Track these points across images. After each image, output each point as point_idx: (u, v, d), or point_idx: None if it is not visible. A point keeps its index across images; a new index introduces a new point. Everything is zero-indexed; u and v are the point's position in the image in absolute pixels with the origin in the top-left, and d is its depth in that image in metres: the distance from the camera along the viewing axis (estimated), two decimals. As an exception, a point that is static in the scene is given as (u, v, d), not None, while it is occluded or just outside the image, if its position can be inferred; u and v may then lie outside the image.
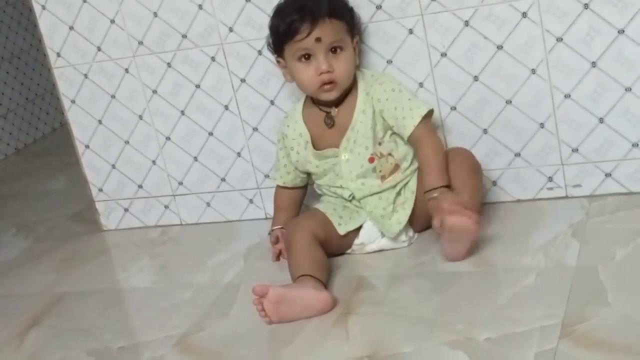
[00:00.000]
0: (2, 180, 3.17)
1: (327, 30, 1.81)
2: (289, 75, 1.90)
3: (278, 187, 2.01)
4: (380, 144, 1.86)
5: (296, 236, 1.81)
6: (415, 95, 1.90)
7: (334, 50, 1.83)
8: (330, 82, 1.83)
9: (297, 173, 1.97)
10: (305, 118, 1.92)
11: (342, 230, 1.85)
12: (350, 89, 1.88)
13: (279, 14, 1.87)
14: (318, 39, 1.81)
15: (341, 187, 1.90)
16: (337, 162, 1.88)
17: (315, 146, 1.91)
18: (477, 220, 1.69)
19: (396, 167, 1.87)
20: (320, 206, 1.92)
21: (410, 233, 1.87)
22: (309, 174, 1.97)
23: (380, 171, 1.86)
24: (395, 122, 1.84)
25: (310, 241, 1.79)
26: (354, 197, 1.89)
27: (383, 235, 1.86)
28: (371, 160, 1.86)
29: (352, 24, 1.87)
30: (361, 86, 1.88)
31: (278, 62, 1.91)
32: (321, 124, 1.90)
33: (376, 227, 1.86)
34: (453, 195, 1.75)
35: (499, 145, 1.93)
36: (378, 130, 1.86)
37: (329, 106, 1.89)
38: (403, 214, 1.85)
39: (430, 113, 1.85)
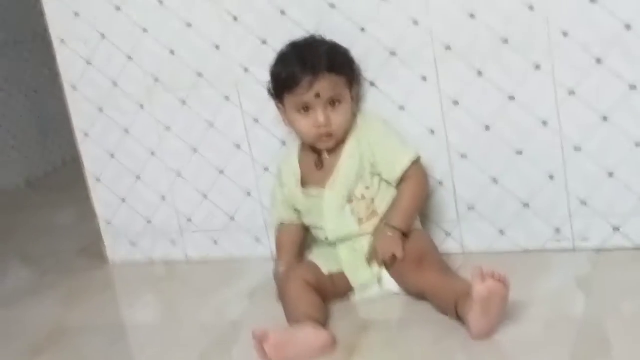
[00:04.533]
0: (11, 212, 3.18)
1: (327, 86, 1.84)
2: (287, 121, 1.92)
3: (279, 226, 2.02)
4: (367, 188, 1.88)
5: (289, 285, 1.82)
6: (404, 140, 1.92)
7: (332, 103, 1.86)
8: (327, 134, 1.86)
9: (293, 209, 1.98)
10: (300, 158, 1.96)
11: (325, 270, 1.86)
12: (346, 135, 1.90)
13: (281, 62, 1.90)
14: (317, 94, 1.84)
15: (322, 227, 1.92)
16: (320, 202, 1.90)
17: (304, 185, 1.93)
18: (509, 286, 1.61)
19: (374, 213, 1.89)
20: (309, 256, 1.95)
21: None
22: None
23: (357, 213, 1.88)
24: (385, 167, 1.87)
25: (303, 286, 1.80)
26: (328, 240, 1.90)
27: (380, 284, 1.87)
28: (350, 201, 1.88)
29: (352, 76, 1.91)
30: (353, 132, 1.90)
31: (278, 107, 1.94)
32: (312, 165, 1.93)
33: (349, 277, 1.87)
34: (400, 243, 1.82)
35: (507, 194, 1.93)
36: (364, 174, 1.88)
37: (322, 150, 1.92)
38: (375, 269, 1.86)
39: (418, 158, 1.88)
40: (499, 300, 1.59)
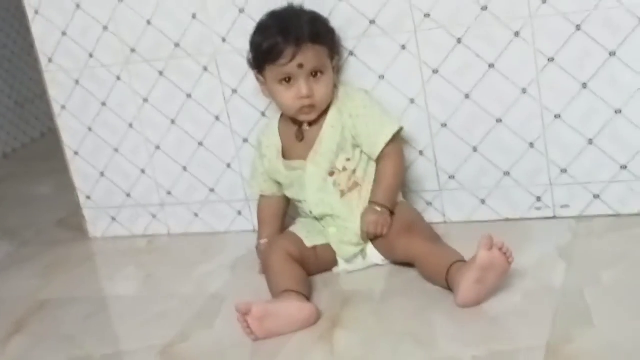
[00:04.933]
0: (-11, 185, 3.16)
1: (310, 56, 1.82)
2: (267, 92, 1.91)
3: (260, 198, 2.01)
4: (348, 159, 1.87)
5: (272, 257, 1.82)
6: (386, 111, 1.90)
7: (314, 74, 1.84)
8: (310, 105, 1.84)
9: (273, 181, 1.98)
10: (280, 129, 1.95)
11: (308, 243, 1.86)
12: (327, 107, 1.89)
13: (262, 32, 1.87)
14: (300, 65, 1.82)
15: (305, 200, 1.91)
16: (302, 175, 1.89)
17: (285, 157, 1.92)
18: (512, 258, 1.62)
19: (355, 184, 1.88)
20: (292, 227, 1.94)
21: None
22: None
23: (339, 185, 1.87)
24: (366, 139, 1.86)
25: (286, 259, 1.80)
26: (312, 213, 1.90)
27: (363, 257, 1.87)
28: (331, 174, 1.87)
29: (333, 47, 1.89)
30: (334, 103, 1.89)
31: (257, 78, 1.92)
32: (293, 137, 1.92)
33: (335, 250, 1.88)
34: (389, 219, 1.82)
35: (488, 163, 1.93)
36: (345, 146, 1.87)
37: (304, 122, 1.90)
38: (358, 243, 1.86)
39: (399, 131, 1.87)
40: (498, 272, 1.60)
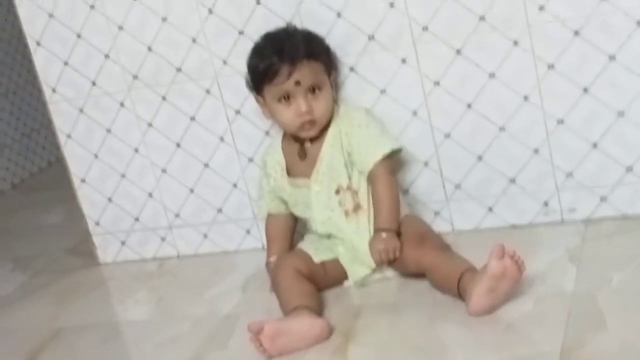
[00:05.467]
0: (-1, 215, 3.18)
1: (306, 73, 1.83)
2: (268, 113, 1.92)
3: (267, 216, 2.02)
4: (349, 178, 1.88)
5: (280, 274, 1.83)
6: (385, 132, 1.90)
7: (312, 90, 1.85)
8: (310, 121, 1.85)
9: (280, 199, 1.98)
10: (284, 148, 1.96)
11: (317, 259, 1.86)
12: (327, 124, 1.90)
13: (257, 54, 1.89)
14: (297, 82, 1.83)
15: (311, 219, 1.92)
16: (308, 193, 1.90)
17: (290, 174, 1.93)
18: (524, 267, 1.62)
19: (358, 206, 1.88)
20: (300, 244, 1.95)
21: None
22: None
23: (344, 204, 1.88)
24: (358, 158, 1.86)
25: (295, 276, 1.81)
26: (318, 232, 1.91)
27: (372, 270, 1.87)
28: (337, 192, 1.88)
29: (329, 63, 1.91)
30: (334, 120, 1.90)
31: (257, 99, 1.93)
32: (296, 155, 1.93)
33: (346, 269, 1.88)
34: (397, 241, 1.81)
35: (493, 171, 1.94)
36: (347, 164, 1.87)
37: (305, 139, 1.91)
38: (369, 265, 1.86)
39: (394, 153, 1.87)
40: (510, 281, 1.60)
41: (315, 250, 1.88)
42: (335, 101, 1.92)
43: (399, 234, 1.84)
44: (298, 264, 1.84)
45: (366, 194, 1.88)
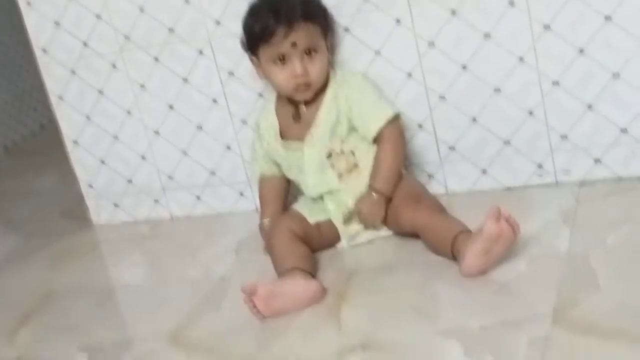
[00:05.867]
0: (-9, 179, 3.17)
1: (302, 35, 1.82)
2: (262, 74, 1.90)
3: (260, 178, 2.01)
4: (342, 141, 1.87)
5: (275, 236, 1.83)
6: (383, 97, 1.89)
7: (308, 52, 1.84)
8: (305, 84, 1.84)
9: (273, 161, 1.98)
10: (277, 110, 1.94)
11: (311, 220, 1.86)
12: (321, 87, 1.88)
13: (253, 14, 1.87)
14: (294, 44, 1.82)
15: (304, 183, 1.91)
16: (301, 156, 1.89)
17: (283, 137, 1.92)
18: (519, 230, 1.62)
19: (355, 165, 1.88)
20: (294, 205, 1.94)
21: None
22: None
23: (337, 167, 1.87)
24: (360, 122, 1.86)
25: (290, 237, 1.81)
26: (312, 195, 1.90)
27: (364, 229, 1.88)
28: (328, 156, 1.87)
29: (326, 25, 1.89)
30: (331, 85, 1.88)
31: (252, 60, 1.92)
32: (290, 117, 1.92)
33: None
34: (384, 208, 1.83)
35: (488, 133, 1.93)
36: (341, 129, 1.86)
37: (299, 101, 1.90)
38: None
39: (396, 116, 1.86)
40: (504, 243, 1.59)
41: (309, 211, 1.88)
42: (331, 65, 1.91)
43: (390, 200, 1.83)
44: (292, 226, 1.84)
45: (365, 153, 1.87)
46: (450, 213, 1.81)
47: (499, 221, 1.57)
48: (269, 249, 1.85)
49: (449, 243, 1.67)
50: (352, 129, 1.87)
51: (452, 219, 1.76)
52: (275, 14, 1.82)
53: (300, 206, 1.93)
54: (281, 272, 1.75)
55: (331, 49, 1.92)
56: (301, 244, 1.81)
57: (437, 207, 1.83)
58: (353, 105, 1.86)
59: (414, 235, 1.79)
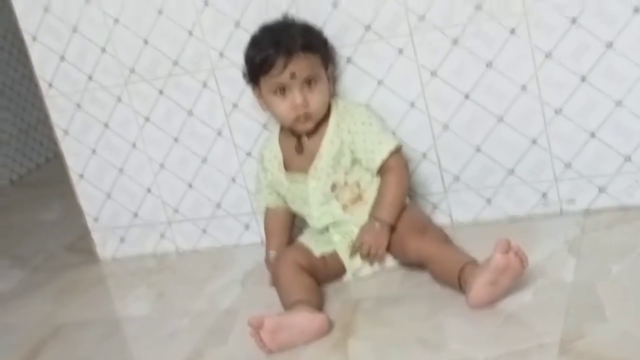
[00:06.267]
0: (-2, 212, 3.17)
1: (302, 65, 1.82)
2: (264, 105, 1.91)
3: (265, 210, 2.01)
4: (346, 173, 1.87)
5: (281, 269, 1.82)
6: (386, 129, 1.90)
7: (308, 83, 1.84)
8: (305, 115, 1.85)
9: (278, 193, 1.98)
10: (281, 142, 1.95)
11: (317, 252, 1.86)
12: (323, 118, 1.89)
13: (254, 45, 1.88)
14: (293, 74, 1.82)
15: (308, 215, 1.91)
16: (305, 188, 1.89)
17: (287, 169, 1.92)
18: (527, 263, 1.61)
19: (359, 197, 1.88)
20: (300, 237, 1.94)
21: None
22: None
23: (341, 199, 1.87)
24: (364, 155, 1.86)
25: (296, 270, 1.80)
26: (316, 227, 1.90)
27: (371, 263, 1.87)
28: (333, 188, 1.87)
29: (326, 56, 1.89)
30: (333, 116, 1.89)
31: (253, 91, 1.93)
32: (293, 149, 1.92)
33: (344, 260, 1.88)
34: (387, 238, 1.82)
35: (492, 162, 1.93)
36: (344, 160, 1.86)
37: (301, 133, 1.90)
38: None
39: (398, 148, 1.87)
40: (512, 275, 1.59)
41: (314, 243, 1.88)
42: (332, 95, 1.91)
43: (393, 229, 1.83)
44: (298, 258, 1.84)
45: (369, 184, 1.87)
46: (455, 243, 1.80)
47: (507, 253, 1.57)
48: (275, 281, 1.84)
49: (455, 274, 1.66)
50: (355, 160, 1.87)
51: (458, 250, 1.75)
52: (275, 45, 1.82)
53: (305, 238, 1.92)
54: (287, 305, 1.74)
55: (332, 79, 1.92)
56: (307, 276, 1.80)
57: (443, 237, 1.82)
58: (356, 137, 1.86)
59: (419, 265, 1.78)
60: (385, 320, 1.68)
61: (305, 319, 1.67)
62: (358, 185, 1.88)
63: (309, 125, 1.87)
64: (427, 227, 1.84)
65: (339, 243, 1.87)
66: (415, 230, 1.81)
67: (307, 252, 1.87)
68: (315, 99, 1.85)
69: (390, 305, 1.74)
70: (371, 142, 1.86)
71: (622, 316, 1.48)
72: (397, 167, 1.86)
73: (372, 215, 1.85)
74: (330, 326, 1.69)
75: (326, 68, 1.88)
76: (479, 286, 1.59)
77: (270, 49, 1.83)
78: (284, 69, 1.82)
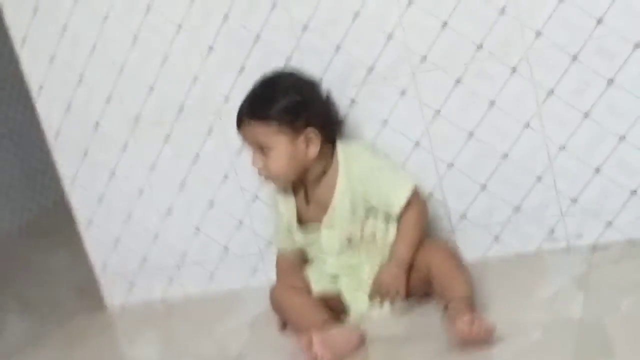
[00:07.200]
0: (5, 258, 3.16)
1: (248, 133, 1.84)
2: None
3: (279, 253, 2.00)
4: (362, 225, 1.85)
5: (285, 295, 1.86)
6: (395, 167, 1.90)
7: (261, 148, 1.83)
8: (267, 177, 1.86)
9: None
10: (294, 189, 1.92)
11: (316, 288, 1.86)
12: (328, 166, 1.86)
13: None
14: (245, 139, 1.85)
15: (323, 260, 1.90)
16: (319, 238, 1.89)
17: (300, 218, 1.91)
18: (491, 330, 1.61)
19: (374, 244, 1.87)
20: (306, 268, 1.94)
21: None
22: None
23: (357, 249, 1.87)
24: (380, 203, 1.83)
25: (300, 293, 1.84)
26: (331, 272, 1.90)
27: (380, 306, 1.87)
28: (349, 241, 1.86)
29: (291, 121, 1.80)
30: (342, 165, 1.85)
31: None
32: (302, 199, 1.91)
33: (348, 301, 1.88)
34: (404, 279, 1.81)
35: (497, 200, 1.93)
36: (359, 212, 1.85)
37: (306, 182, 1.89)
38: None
39: (415, 187, 1.84)
40: (480, 342, 1.60)
41: (316, 280, 1.87)
42: (310, 155, 1.83)
43: (411, 268, 1.82)
44: (298, 284, 1.87)
45: (384, 233, 1.86)
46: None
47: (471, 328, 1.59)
48: (282, 312, 1.86)
49: (443, 302, 1.69)
50: (370, 209, 1.86)
51: (460, 275, 1.75)
52: (240, 107, 1.86)
53: (310, 271, 1.91)
54: (312, 326, 1.74)
55: (315, 140, 1.83)
56: (310, 296, 1.84)
57: (454, 253, 1.83)
58: (369, 186, 1.83)
59: (425, 287, 1.79)
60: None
61: (345, 332, 1.73)
62: (374, 236, 1.87)
63: (282, 183, 1.88)
64: (446, 246, 1.86)
65: (346, 285, 1.87)
66: (434, 243, 1.85)
67: (307, 285, 1.87)
68: (270, 164, 1.82)
69: (400, 346, 1.72)
70: (386, 188, 1.83)
71: (632, 352, 1.47)
72: (415, 205, 1.84)
73: (392, 254, 1.84)
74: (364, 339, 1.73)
75: (296, 132, 1.81)
76: (460, 326, 1.60)
77: (241, 106, 1.86)
78: (239, 131, 1.85)
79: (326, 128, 1.85)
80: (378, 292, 1.83)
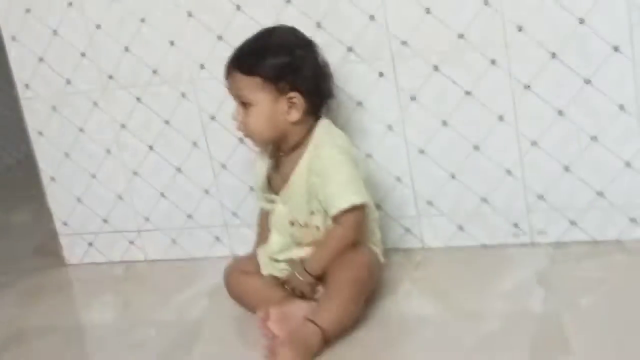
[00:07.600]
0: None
1: (233, 84, 1.78)
2: None
3: (260, 211, 1.95)
4: (312, 213, 1.80)
5: (240, 278, 1.86)
6: (355, 180, 1.76)
7: (243, 104, 1.78)
8: (245, 135, 1.82)
9: None
10: (273, 153, 1.88)
11: (264, 271, 1.84)
12: (304, 140, 1.81)
13: None
14: (229, 90, 1.81)
15: (269, 238, 1.87)
16: (274, 208, 1.86)
17: (270, 184, 1.88)
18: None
19: (315, 239, 1.82)
20: (258, 249, 1.90)
21: None
22: None
23: (298, 238, 1.83)
24: (323, 198, 1.77)
25: (257, 275, 1.83)
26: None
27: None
28: (291, 224, 1.83)
29: (276, 81, 1.75)
30: (310, 147, 1.80)
31: None
32: (274, 164, 1.88)
33: None
34: (309, 287, 1.76)
35: (466, 190, 1.94)
36: (310, 199, 1.79)
37: (280, 150, 1.85)
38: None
39: (361, 206, 1.75)
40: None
41: (266, 261, 1.85)
42: (302, 120, 1.79)
43: (319, 278, 1.76)
44: (248, 268, 1.86)
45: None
46: (425, 268, 1.80)
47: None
48: (239, 291, 1.85)
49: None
50: (319, 203, 1.80)
51: (337, 302, 1.67)
52: (230, 57, 1.81)
53: (260, 252, 1.88)
54: (268, 302, 1.73)
55: (299, 105, 1.77)
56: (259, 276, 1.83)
57: (356, 278, 1.72)
58: (321, 181, 1.76)
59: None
60: (351, 345, 1.66)
61: (304, 306, 1.71)
62: (318, 229, 1.80)
63: (257, 144, 1.86)
64: (360, 266, 1.75)
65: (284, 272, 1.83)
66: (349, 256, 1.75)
67: (256, 266, 1.86)
68: (249, 121, 1.77)
69: (358, 329, 1.71)
70: (333, 189, 1.75)
71: (588, 350, 1.49)
72: (348, 223, 1.75)
73: (301, 262, 1.79)
74: None
75: (280, 91, 1.76)
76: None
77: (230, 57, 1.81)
78: (226, 81, 1.81)
79: (312, 97, 1.80)
80: (292, 290, 1.79)
